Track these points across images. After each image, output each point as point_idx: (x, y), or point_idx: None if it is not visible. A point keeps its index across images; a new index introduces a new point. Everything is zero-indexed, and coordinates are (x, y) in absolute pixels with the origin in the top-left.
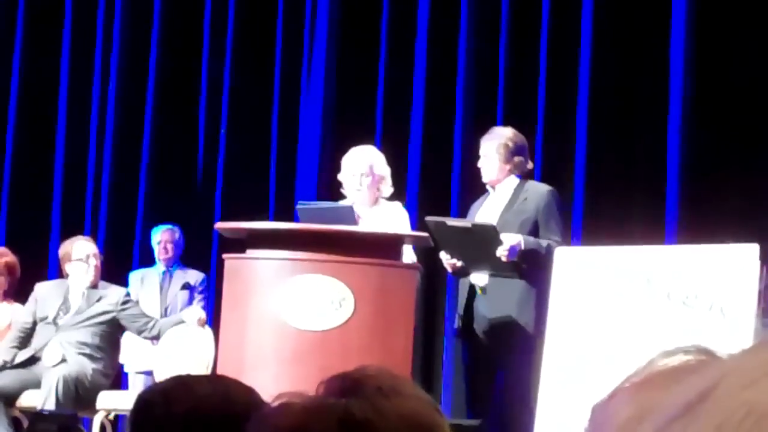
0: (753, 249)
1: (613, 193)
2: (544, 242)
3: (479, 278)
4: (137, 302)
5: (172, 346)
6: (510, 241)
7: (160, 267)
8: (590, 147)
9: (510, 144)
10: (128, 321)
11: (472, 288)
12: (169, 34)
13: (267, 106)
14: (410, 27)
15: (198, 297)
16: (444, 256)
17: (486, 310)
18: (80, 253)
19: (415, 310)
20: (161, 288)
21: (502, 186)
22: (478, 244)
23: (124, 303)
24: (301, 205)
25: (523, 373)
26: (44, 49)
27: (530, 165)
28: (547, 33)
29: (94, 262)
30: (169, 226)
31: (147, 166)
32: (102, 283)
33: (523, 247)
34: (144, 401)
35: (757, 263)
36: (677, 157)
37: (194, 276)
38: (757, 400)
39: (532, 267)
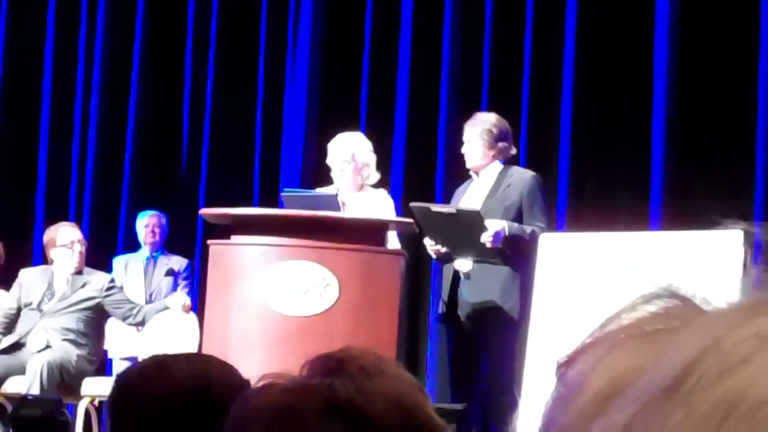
0: (737, 234)
1: (598, 179)
2: (528, 228)
3: (463, 264)
4: (122, 288)
5: (157, 332)
6: (494, 227)
7: (144, 253)
8: (574, 133)
9: (494, 130)
10: (113, 307)
11: (456, 274)
12: (152, 21)
13: (252, 92)
14: (395, 12)
15: (182, 283)
16: (428, 242)
17: (470, 296)
18: (65, 239)
19: (399, 295)
20: (145, 274)
21: (486, 172)
22: (463, 230)
23: (109, 289)
24: (285, 193)
25: (507, 359)
26: (27, 34)
27: (514, 151)
28: (531, 18)
29: (79, 248)
30: (155, 212)
31: (131, 152)
32: (86, 269)
33: (507, 233)
34: (122, 382)
35: (742, 249)
36: (661, 143)
37: (178, 262)
38: (737, 389)
39: (516, 253)
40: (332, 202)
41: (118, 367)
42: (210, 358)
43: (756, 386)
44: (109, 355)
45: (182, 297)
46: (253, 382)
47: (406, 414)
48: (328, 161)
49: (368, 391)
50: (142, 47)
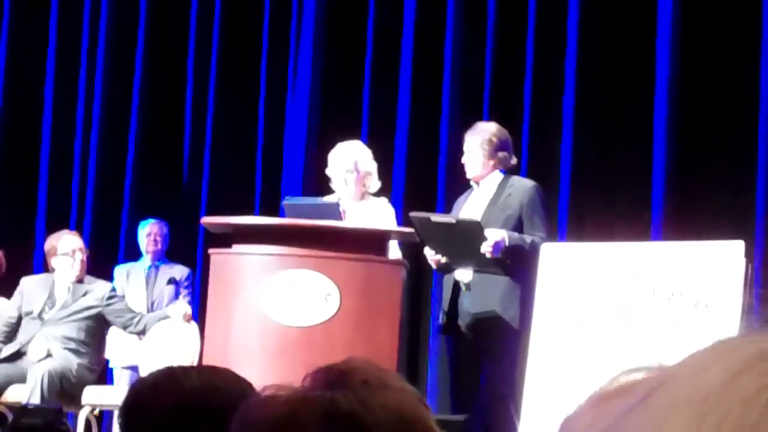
0: (738, 246)
1: (599, 189)
2: (528, 238)
3: (464, 274)
4: (123, 297)
5: (158, 341)
6: (494, 237)
7: (145, 262)
8: (576, 143)
9: (494, 139)
10: (114, 316)
11: (456, 284)
12: (155, 29)
13: (254, 100)
14: (397, 22)
15: (184, 292)
16: (428, 252)
17: (470, 306)
18: (66, 248)
19: (400, 305)
20: (147, 283)
21: (486, 181)
22: (463, 240)
23: (110, 298)
24: (287, 201)
25: (508, 369)
26: (30, 43)
27: (514, 160)
28: (533, 29)
29: (80, 256)
30: (157, 220)
31: (133, 161)
32: (88, 278)
33: (507, 243)
34: (135, 393)
35: (743, 260)
36: (663, 154)
37: (180, 271)
38: (709, 382)
39: (516, 263)
40: (333, 210)
41: (119, 376)
42: (223, 372)
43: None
44: (110, 365)
45: (183, 306)
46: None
47: (408, 427)
48: (329, 171)
49: (370, 404)
50: (144, 55)
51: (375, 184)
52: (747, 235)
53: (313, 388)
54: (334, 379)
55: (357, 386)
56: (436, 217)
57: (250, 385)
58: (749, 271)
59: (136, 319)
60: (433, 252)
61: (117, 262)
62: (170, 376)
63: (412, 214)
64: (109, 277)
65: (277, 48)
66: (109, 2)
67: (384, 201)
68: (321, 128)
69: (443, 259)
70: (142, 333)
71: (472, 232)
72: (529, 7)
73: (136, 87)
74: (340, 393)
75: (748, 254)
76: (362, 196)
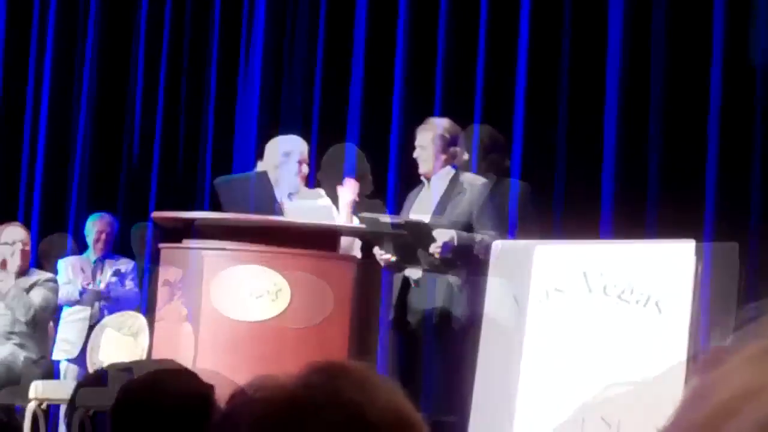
0: (689, 245)
1: (550, 186)
2: (478, 237)
3: (413, 272)
4: (53, 289)
5: (107, 335)
6: (442, 237)
7: (91, 255)
8: (527, 139)
9: (446, 135)
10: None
11: (405, 280)
12: (104, 19)
13: (204, 93)
14: (349, 16)
15: (130, 283)
16: (378, 252)
17: (419, 303)
18: (7, 238)
19: (351, 301)
20: (93, 276)
21: (438, 177)
22: (411, 241)
23: (42, 283)
24: (217, 181)
25: (456, 365)
26: None
27: (466, 156)
28: (485, 23)
29: (20, 247)
30: (106, 216)
31: (81, 153)
32: (32, 270)
33: (456, 243)
34: (123, 396)
35: (694, 259)
36: (612, 151)
37: (125, 263)
38: None
39: (465, 262)
40: (263, 180)
41: (65, 369)
42: (208, 376)
43: None
44: (54, 357)
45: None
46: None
47: (405, 425)
48: (269, 159)
49: (372, 396)
50: (92, 47)
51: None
52: (697, 233)
53: (313, 377)
54: (334, 371)
55: (359, 381)
56: (385, 218)
57: (200, 381)
58: (699, 270)
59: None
60: (382, 251)
61: (64, 256)
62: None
63: (361, 214)
64: (55, 271)
65: (228, 44)
66: (58, 3)
67: (320, 191)
68: (271, 123)
69: (393, 258)
70: (28, 317)
71: (421, 232)
72: (482, 7)
73: (84, 80)
74: (344, 382)
75: (698, 253)
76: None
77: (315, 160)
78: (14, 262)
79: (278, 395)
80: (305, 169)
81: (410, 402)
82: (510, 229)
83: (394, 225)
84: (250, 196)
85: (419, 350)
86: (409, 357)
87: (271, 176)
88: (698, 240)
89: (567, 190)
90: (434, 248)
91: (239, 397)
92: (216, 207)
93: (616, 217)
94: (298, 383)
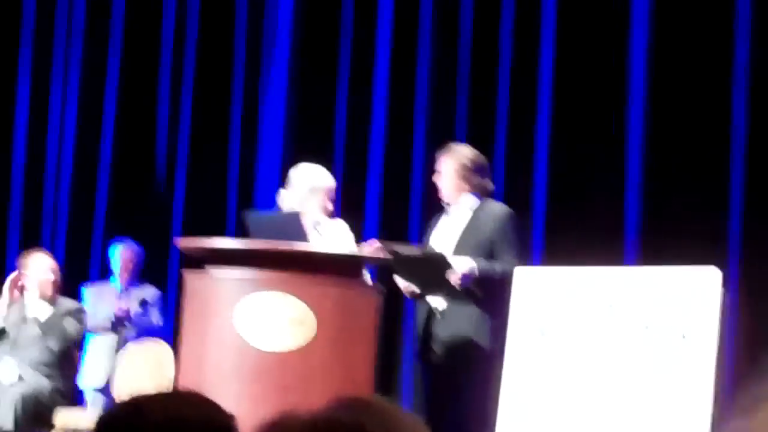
0: (716, 272)
1: (574, 213)
2: (498, 266)
3: (437, 302)
4: (83, 319)
5: (132, 364)
6: (462, 268)
7: (117, 284)
8: (551, 167)
9: (468, 163)
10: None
11: (430, 310)
12: (128, 49)
13: (228, 120)
14: (371, 41)
15: (155, 312)
16: (401, 282)
17: (443, 333)
18: (39, 268)
19: (376, 331)
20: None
21: (459, 205)
22: (431, 271)
23: (72, 313)
24: (250, 215)
25: (480, 396)
26: (2, 66)
27: (491, 186)
28: (509, 51)
29: (53, 277)
30: (131, 243)
31: (107, 181)
32: (59, 299)
33: (476, 273)
34: (100, 426)
35: (720, 287)
36: (637, 178)
37: (150, 293)
38: None
39: (486, 292)
40: (295, 220)
41: (92, 398)
42: (190, 398)
43: None
44: (80, 386)
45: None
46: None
47: None
48: (298, 189)
49: (394, 430)
50: (119, 75)
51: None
52: (721, 260)
53: (338, 412)
54: (359, 406)
55: (382, 415)
56: (403, 249)
57: (221, 411)
58: (725, 298)
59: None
60: (406, 282)
61: (88, 281)
62: (135, 408)
63: (382, 244)
64: (78, 297)
65: (251, 71)
66: (84, 24)
67: (341, 222)
68: (295, 149)
69: (415, 289)
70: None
71: (439, 263)
72: (503, 34)
73: (110, 107)
74: (366, 416)
75: (723, 280)
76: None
77: (341, 187)
78: (46, 292)
79: (303, 429)
80: (330, 205)
81: None
82: (534, 256)
83: (412, 257)
84: (281, 235)
85: (445, 381)
86: (434, 388)
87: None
88: (723, 267)
89: (590, 217)
90: (455, 279)
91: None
92: (242, 235)
93: (640, 243)
94: (322, 418)
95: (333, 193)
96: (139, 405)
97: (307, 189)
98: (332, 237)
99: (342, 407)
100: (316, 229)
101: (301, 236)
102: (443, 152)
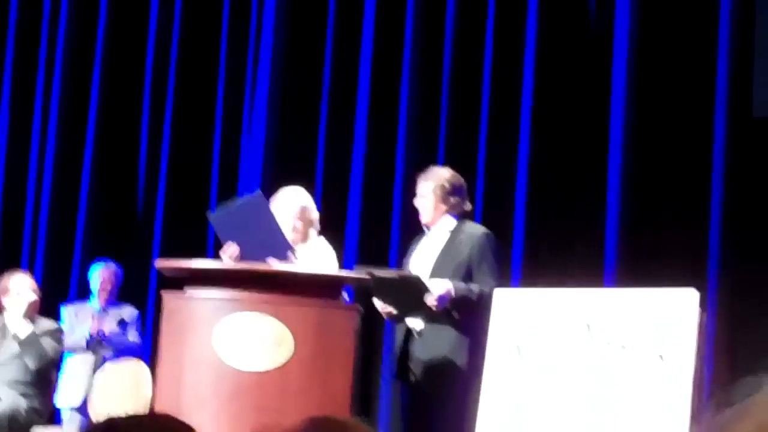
0: (693, 294)
1: (553, 234)
2: (476, 288)
3: (415, 322)
4: (58, 339)
5: (110, 383)
6: (438, 290)
7: (95, 304)
8: (530, 189)
9: (446, 185)
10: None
11: (408, 331)
12: (110, 70)
13: (208, 141)
14: (353, 63)
15: (133, 332)
16: (378, 303)
17: (421, 353)
18: (18, 287)
19: (354, 351)
20: (98, 324)
21: (438, 227)
22: (408, 293)
23: (50, 334)
24: (210, 215)
25: (459, 416)
26: None
27: (468, 206)
28: (489, 75)
29: (35, 299)
30: (111, 265)
31: (86, 200)
32: (38, 319)
33: (453, 294)
34: None
35: (697, 309)
36: (616, 201)
37: (129, 312)
38: None
39: (463, 314)
40: (259, 202)
41: (68, 417)
42: (165, 422)
43: None
44: (57, 405)
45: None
46: None
47: None
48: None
49: None
50: (99, 97)
51: (317, 228)
52: (700, 281)
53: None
54: (330, 427)
55: None
56: (379, 272)
57: None
58: (703, 320)
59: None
60: (382, 303)
61: (67, 301)
62: (110, 430)
63: (358, 268)
64: (57, 317)
65: (233, 89)
66: (66, 35)
67: (323, 240)
68: (276, 172)
69: (393, 311)
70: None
71: (415, 286)
72: (486, 49)
73: (90, 128)
74: None
75: (702, 303)
76: (304, 239)
77: (320, 207)
78: (26, 312)
79: None
80: (298, 224)
81: None
82: (513, 278)
83: (387, 279)
84: (248, 224)
85: (422, 401)
86: (412, 408)
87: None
88: (702, 287)
89: (571, 238)
90: (431, 301)
91: None
92: (219, 256)
93: (618, 264)
94: None
95: (297, 212)
96: (114, 427)
97: (282, 211)
98: (308, 258)
99: (313, 427)
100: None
101: (267, 215)
102: (422, 175)
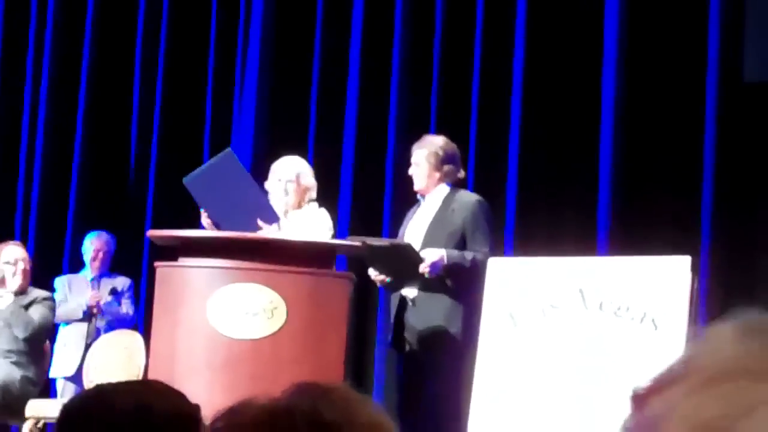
0: (685, 261)
1: (545, 203)
2: (469, 255)
3: (409, 291)
4: (52, 307)
5: (103, 353)
6: (431, 257)
7: (88, 274)
8: (522, 156)
9: (440, 152)
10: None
11: (403, 299)
12: (100, 38)
13: (200, 112)
14: (344, 34)
15: (126, 302)
16: (372, 272)
17: (416, 322)
18: (9, 257)
19: (347, 319)
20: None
21: (432, 195)
22: (401, 262)
23: (36, 301)
24: (185, 180)
25: (453, 384)
26: None
27: (462, 174)
28: (480, 42)
29: (22, 266)
30: (104, 234)
31: (78, 172)
32: (30, 289)
33: (446, 262)
34: (65, 414)
35: (689, 275)
36: (608, 168)
37: (121, 282)
38: None
39: (457, 281)
40: (229, 159)
41: (62, 387)
42: (155, 387)
43: None
44: (51, 375)
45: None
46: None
47: None
48: (269, 182)
49: (352, 418)
50: (90, 66)
51: (312, 198)
52: (692, 250)
53: (294, 398)
54: (316, 393)
55: (340, 400)
56: (372, 241)
57: (186, 400)
58: (695, 286)
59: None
60: (376, 272)
61: (61, 273)
62: (100, 396)
63: (351, 238)
64: (51, 288)
65: (224, 61)
66: (55, 11)
67: (316, 206)
68: (267, 144)
69: (387, 279)
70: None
71: (407, 254)
72: (477, 20)
73: (81, 99)
74: (324, 403)
75: (694, 269)
76: (299, 206)
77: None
78: (15, 282)
79: (260, 418)
80: (290, 187)
81: (394, 422)
82: (506, 246)
83: (380, 248)
84: (223, 186)
85: (417, 369)
86: (407, 375)
87: (273, 198)
88: (694, 255)
89: (563, 206)
90: (423, 268)
91: (223, 420)
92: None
93: (611, 233)
94: (279, 405)
95: (294, 177)
96: (104, 393)
97: (275, 179)
98: (298, 225)
99: (300, 394)
100: (285, 217)
101: (241, 173)
102: (416, 144)
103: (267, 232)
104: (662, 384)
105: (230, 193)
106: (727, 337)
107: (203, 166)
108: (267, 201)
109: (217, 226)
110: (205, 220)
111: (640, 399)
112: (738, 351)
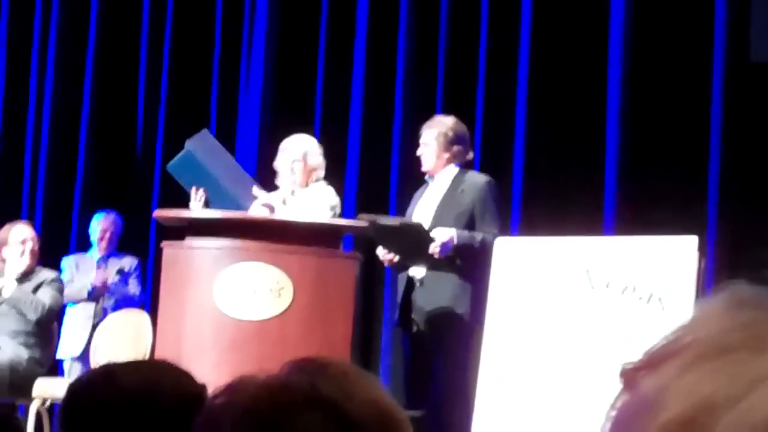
0: (692, 240)
1: (552, 183)
2: (478, 235)
3: (417, 270)
4: (59, 288)
5: (110, 333)
6: (441, 237)
7: (95, 253)
8: (529, 137)
9: (450, 133)
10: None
11: (410, 279)
12: (108, 21)
13: (206, 94)
14: (350, 16)
15: (133, 282)
16: (381, 252)
17: (423, 302)
18: (18, 238)
19: (354, 299)
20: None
21: (441, 176)
22: (411, 241)
23: (44, 283)
24: (169, 166)
25: (460, 364)
26: None
27: (471, 155)
28: (486, 22)
29: (31, 246)
30: (111, 214)
31: (85, 152)
32: (38, 269)
33: (456, 242)
34: (72, 393)
35: (696, 255)
36: (615, 148)
37: (128, 262)
38: None
39: (466, 262)
40: (204, 138)
41: (69, 367)
42: (162, 366)
43: None
44: (58, 355)
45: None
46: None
47: (385, 420)
48: (278, 161)
49: (350, 393)
50: (96, 47)
51: (320, 177)
52: (699, 230)
53: (292, 375)
54: (313, 369)
55: (337, 377)
56: (382, 220)
57: (192, 380)
58: (702, 266)
59: (33, 303)
60: (385, 251)
61: (68, 253)
62: (107, 375)
63: (361, 215)
64: (58, 268)
65: (230, 42)
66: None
67: (323, 184)
68: (273, 124)
69: (395, 259)
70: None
71: (417, 233)
72: (482, 5)
73: (87, 79)
74: (322, 380)
75: (701, 249)
76: (305, 185)
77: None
78: (24, 262)
79: (258, 395)
80: (297, 166)
81: (399, 401)
82: (512, 226)
83: (390, 227)
84: (204, 160)
85: (424, 349)
86: (414, 355)
87: (281, 177)
88: (701, 235)
89: (570, 187)
90: (433, 248)
91: (221, 397)
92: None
93: (618, 213)
94: (277, 382)
95: (300, 157)
96: (111, 372)
97: (283, 157)
98: (302, 203)
99: (297, 370)
100: (292, 195)
101: (218, 149)
102: (426, 124)
103: (264, 198)
104: (654, 360)
105: (213, 169)
106: (718, 311)
107: (180, 154)
108: (245, 174)
109: (207, 205)
110: (193, 203)
111: (630, 377)
112: (732, 324)
